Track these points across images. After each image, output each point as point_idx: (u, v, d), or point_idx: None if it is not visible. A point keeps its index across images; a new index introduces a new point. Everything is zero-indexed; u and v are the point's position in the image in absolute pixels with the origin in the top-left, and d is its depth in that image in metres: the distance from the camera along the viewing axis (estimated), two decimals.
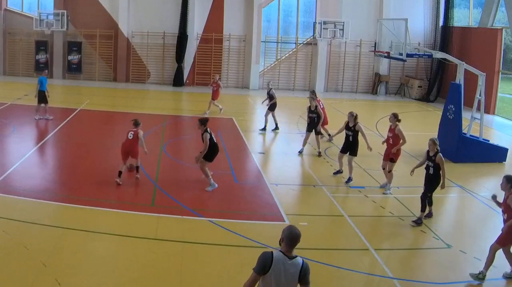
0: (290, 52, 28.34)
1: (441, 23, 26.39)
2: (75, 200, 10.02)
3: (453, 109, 14.72)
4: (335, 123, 18.88)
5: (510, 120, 22.13)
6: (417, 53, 17.92)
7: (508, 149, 14.89)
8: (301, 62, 28.20)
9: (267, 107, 17.45)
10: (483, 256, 8.37)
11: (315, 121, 14.49)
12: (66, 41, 27.13)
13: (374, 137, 16.66)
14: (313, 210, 10.39)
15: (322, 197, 11.15)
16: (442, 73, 26.27)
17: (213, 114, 18.60)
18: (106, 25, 27.04)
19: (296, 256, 4.76)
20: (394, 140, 11.62)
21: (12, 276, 6.97)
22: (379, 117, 20.37)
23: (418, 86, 27.00)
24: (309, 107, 14.52)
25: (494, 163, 14.54)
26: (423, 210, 9.81)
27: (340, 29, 26.51)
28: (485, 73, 14.63)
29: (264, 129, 17.20)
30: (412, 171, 10.51)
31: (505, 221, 7.65)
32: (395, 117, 11.66)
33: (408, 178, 10.82)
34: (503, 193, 7.87)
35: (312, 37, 27.75)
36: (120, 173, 11.28)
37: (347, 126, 12.24)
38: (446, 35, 25.93)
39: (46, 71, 18.97)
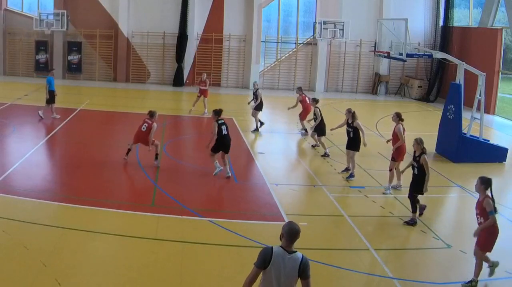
0: (290, 52, 28.35)
1: (441, 23, 26.39)
2: (75, 200, 10.02)
3: (453, 109, 14.72)
4: (334, 123, 18.87)
5: (510, 120, 22.13)
6: (417, 53, 17.91)
7: (508, 149, 14.89)
8: (301, 62, 28.20)
9: (253, 108, 17.50)
10: None
11: (314, 122, 14.81)
12: (66, 41, 27.14)
13: (374, 137, 16.69)
14: (313, 210, 10.39)
15: (322, 197, 11.15)
16: (442, 73, 26.28)
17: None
18: (106, 25, 27.05)
19: (296, 251, 4.89)
20: (394, 140, 11.67)
21: (12, 276, 6.97)
22: (379, 117, 20.38)
23: (418, 86, 27.00)
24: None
25: (494, 163, 14.53)
26: (413, 210, 9.73)
27: (340, 29, 26.52)
28: (485, 73, 14.62)
29: (256, 129, 17.21)
30: (403, 171, 10.57)
31: (480, 225, 7.48)
32: (397, 117, 11.69)
33: (408, 178, 10.81)
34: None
35: (312, 37, 27.76)
36: (128, 150, 12.50)
37: (347, 123, 12.51)
38: (446, 35, 25.93)
39: (53, 71, 19.02)
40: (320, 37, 26.78)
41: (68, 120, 17.43)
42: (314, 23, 27.28)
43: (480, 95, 14.57)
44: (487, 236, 7.38)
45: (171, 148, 14.61)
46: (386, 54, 17.90)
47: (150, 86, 27.00)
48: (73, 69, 27.32)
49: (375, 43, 20.31)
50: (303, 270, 4.84)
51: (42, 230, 8.57)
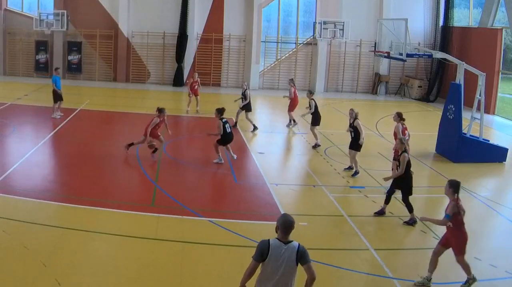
0: (290, 52, 28.34)
1: (441, 23, 26.38)
2: (75, 200, 10.02)
3: (453, 109, 14.72)
4: (334, 123, 18.92)
5: (510, 120, 22.13)
6: (417, 53, 17.91)
7: (508, 149, 14.89)
8: (301, 62, 28.20)
9: (240, 107, 17.51)
10: (483, 256, 8.41)
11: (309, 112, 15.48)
12: (66, 41, 27.13)
13: (374, 137, 16.70)
14: (313, 210, 10.39)
15: (322, 197, 11.15)
16: (442, 73, 26.27)
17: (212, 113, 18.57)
18: (106, 25, 27.04)
19: (292, 241, 5.06)
20: (395, 139, 11.69)
21: (12, 276, 6.97)
22: (379, 117, 20.38)
23: (418, 86, 26.99)
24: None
25: (494, 163, 14.53)
26: (410, 210, 9.76)
27: (340, 29, 26.50)
28: (485, 73, 14.62)
29: (255, 128, 17.25)
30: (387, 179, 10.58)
31: (448, 229, 7.40)
32: (398, 116, 11.72)
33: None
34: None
35: (312, 37, 27.75)
36: (154, 149, 13.08)
37: (349, 123, 12.67)
38: (446, 35, 25.92)
39: (59, 70, 19.05)
40: (320, 37, 26.77)
41: (68, 120, 17.43)
42: (314, 23, 27.27)
43: (480, 95, 14.57)
44: (459, 241, 7.31)
45: (171, 148, 14.61)
46: (386, 54, 17.90)
47: (150, 86, 27.00)
48: (73, 69, 27.32)
49: (375, 43, 20.31)
50: (301, 257, 5.00)
51: (42, 230, 8.57)
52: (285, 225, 5.04)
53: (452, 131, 14.63)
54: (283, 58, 28.41)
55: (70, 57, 27.22)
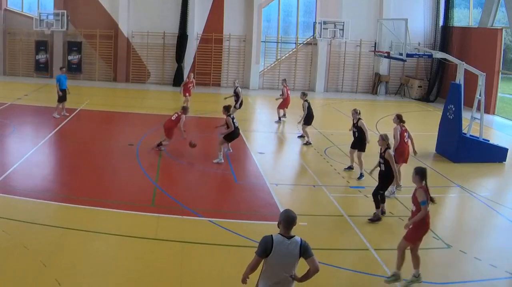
0: (290, 52, 28.35)
1: (441, 23, 26.39)
2: (75, 200, 10.02)
3: (453, 109, 14.72)
4: (334, 123, 18.93)
5: (510, 120, 22.13)
6: (417, 53, 17.92)
7: (508, 149, 14.89)
8: (301, 62, 28.20)
9: (237, 107, 17.61)
10: (483, 256, 8.40)
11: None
12: (66, 41, 27.14)
13: (374, 137, 16.65)
14: (313, 210, 10.39)
15: (322, 197, 11.15)
16: (442, 73, 26.28)
17: (212, 113, 18.59)
18: (106, 25, 27.05)
19: (294, 236, 5.16)
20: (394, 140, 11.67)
21: (12, 276, 6.97)
22: (379, 118, 20.37)
23: (418, 86, 27.00)
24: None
25: (494, 163, 14.54)
26: (377, 207, 9.78)
27: (340, 29, 26.51)
28: (485, 73, 14.62)
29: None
30: (371, 172, 10.58)
31: (413, 214, 7.39)
32: (398, 118, 11.68)
33: (408, 178, 10.79)
34: None
35: (312, 37, 27.76)
36: (160, 144, 13.73)
37: (352, 123, 12.69)
38: (446, 35, 25.93)
39: (64, 69, 19.13)
40: (320, 37, 26.77)
41: (68, 120, 17.43)
42: (314, 23, 27.28)
43: (480, 95, 14.57)
44: (415, 229, 7.27)
45: (171, 148, 14.60)
46: (386, 54, 17.91)
47: (150, 86, 27.00)
48: (73, 69, 27.30)
49: (375, 43, 20.32)
50: (304, 251, 5.11)
51: (42, 230, 8.57)
52: (287, 220, 5.13)
53: (452, 131, 14.64)
54: (283, 58, 28.41)
55: (70, 57, 27.23)
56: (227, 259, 8.03)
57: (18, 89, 23.20)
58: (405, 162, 11.63)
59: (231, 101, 18.05)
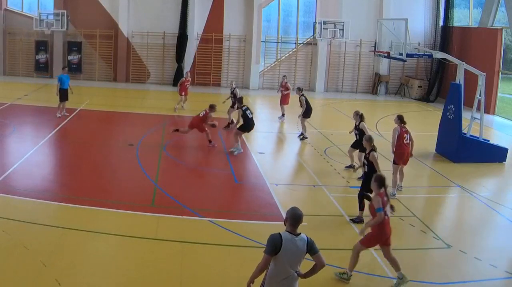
0: (290, 52, 28.35)
1: (441, 23, 26.38)
2: (75, 200, 10.02)
3: (453, 109, 14.72)
4: (334, 123, 18.93)
5: (510, 120, 22.13)
6: (417, 53, 17.91)
7: (508, 149, 14.89)
8: (301, 62, 28.21)
9: (230, 106, 17.62)
10: (483, 256, 8.40)
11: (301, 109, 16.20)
12: (66, 41, 27.14)
13: (374, 137, 16.66)
14: (313, 210, 10.38)
15: (322, 197, 11.15)
16: (442, 73, 26.27)
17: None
18: (106, 25, 27.05)
19: (300, 233, 5.29)
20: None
21: (12, 276, 6.97)
22: (379, 118, 20.37)
23: (418, 86, 26.99)
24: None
25: (494, 163, 14.53)
26: (361, 208, 9.72)
27: (340, 29, 26.50)
28: (485, 73, 14.62)
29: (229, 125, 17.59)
30: (355, 169, 10.62)
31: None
32: (398, 119, 11.66)
33: (408, 178, 10.81)
34: None
35: (312, 37, 27.76)
36: (177, 130, 14.68)
37: (354, 125, 12.69)
38: (446, 35, 25.92)
39: (66, 68, 19.13)
40: (320, 37, 26.77)
41: (68, 120, 17.43)
42: (314, 23, 27.28)
43: (480, 95, 14.57)
44: (372, 234, 7.33)
45: (171, 148, 14.61)
46: (386, 54, 17.90)
47: (150, 86, 27.00)
48: (73, 69, 27.27)
49: (375, 43, 20.31)
50: (311, 247, 5.28)
51: (42, 230, 8.57)
52: (294, 217, 5.24)
53: (452, 131, 14.63)
54: (283, 58, 28.41)
55: (70, 57, 27.22)
56: (227, 259, 8.03)
57: (18, 89, 23.20)
58: (405, 163, 11.58)
59: (229, 102, 18.04)
